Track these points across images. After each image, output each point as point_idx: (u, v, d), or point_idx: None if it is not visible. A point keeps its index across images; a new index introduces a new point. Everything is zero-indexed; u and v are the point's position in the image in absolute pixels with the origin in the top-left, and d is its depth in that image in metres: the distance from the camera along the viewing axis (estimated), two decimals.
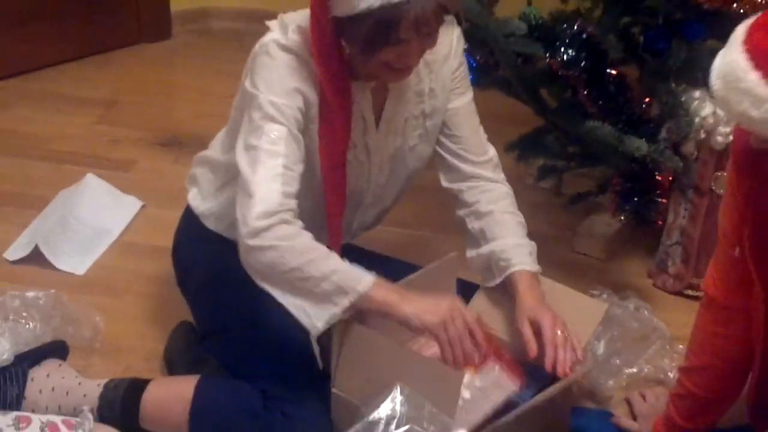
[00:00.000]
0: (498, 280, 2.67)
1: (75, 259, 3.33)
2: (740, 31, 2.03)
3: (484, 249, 2.69)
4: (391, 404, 2.33)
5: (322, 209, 2.59)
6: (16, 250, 3.36)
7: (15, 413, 2.48)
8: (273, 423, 2.53)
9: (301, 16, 2.52)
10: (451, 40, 2.67)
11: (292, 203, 2.42)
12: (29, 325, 2.88)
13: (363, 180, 2.68)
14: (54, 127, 3.98)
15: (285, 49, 2.49)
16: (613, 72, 3.16)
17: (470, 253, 2.74)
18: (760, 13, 2.04)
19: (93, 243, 3.40)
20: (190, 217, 2.85)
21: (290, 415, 2.54)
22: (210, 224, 2.78)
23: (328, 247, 2.50)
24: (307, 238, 2.41)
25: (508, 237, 2.70)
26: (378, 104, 2.63)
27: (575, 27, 3.15)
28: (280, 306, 2.45)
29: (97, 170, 3.66)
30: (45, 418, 2.47)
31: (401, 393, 2.36)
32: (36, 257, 3.31)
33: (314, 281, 2.39)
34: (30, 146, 3.88)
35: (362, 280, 2.39)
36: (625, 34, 3.27)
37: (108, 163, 3.75)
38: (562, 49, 3.10)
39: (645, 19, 3.27)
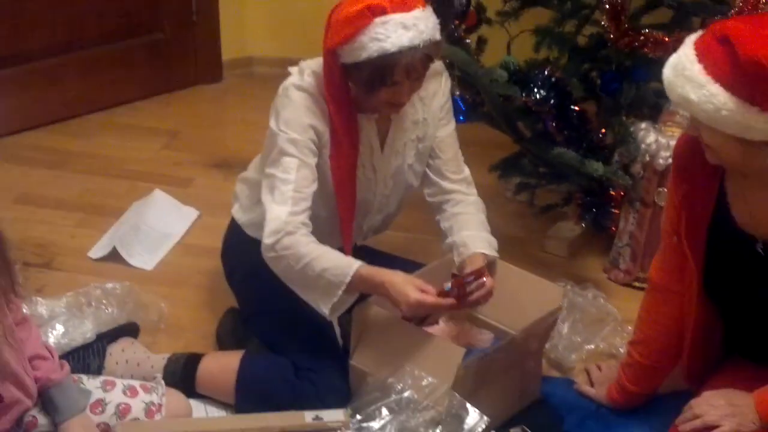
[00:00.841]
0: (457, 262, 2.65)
1: (145, 257, 3.33)
2: (694, 34, 2.07)
3: (449, 240, 2.69)
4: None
5: (336, 216, 2.61)
6: (98, 250, 3.35)
7: (102, 378, 2.47)
8: (302, 388, 2.55)
9: (316, 63, 2.54)
10: (440, 80, 2.69)
11: (300, 218, 2.48)
12: (108, 310, 2.88)
13: (371, 192, 2.69)
14: (129, 152, 3.98)
15: (301, 89, 2.53)
16: (576, 108, 3.16)
17: (443, 246, 2.74)
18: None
19: (159, 244, 3.40)
20: (234, 226, 2.86)
21: (315, 381, 2.55)
22: (249, 231, 2.78)
23: (341, 247, 2.60)
24: (304, 244, 2.46)
25: (469, 230, 2.68)
26: (382, 132, 2.64)
27: (545, 72, 3.15)
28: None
29: (162, 186, 3.66)
30: (126, 382, 2.46)
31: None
32: (114, 256, 3.31)
33: (313, 280, 2.44)
34: (110, 167, 3.87)
35: (347, 274, 2.42)
36: (585, 77, 3.26)
37: (171, 181, 3.75)
38: (535, 90, 3.10)
39: (601, 65, 3.26)
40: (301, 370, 2.58)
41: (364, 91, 2.48)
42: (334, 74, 2.48)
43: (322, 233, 2.53)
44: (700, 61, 2.01)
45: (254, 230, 2.75)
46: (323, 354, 2.61)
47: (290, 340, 2.65)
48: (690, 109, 2.05)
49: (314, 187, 2.53)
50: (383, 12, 2.36)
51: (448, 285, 2.41)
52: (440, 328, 2.72)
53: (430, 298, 2.37)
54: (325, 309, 2.47)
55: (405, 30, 2.36)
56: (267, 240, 2.47)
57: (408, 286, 2.38)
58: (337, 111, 2.51)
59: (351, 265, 2.43)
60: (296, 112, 2.52)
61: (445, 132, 2.74)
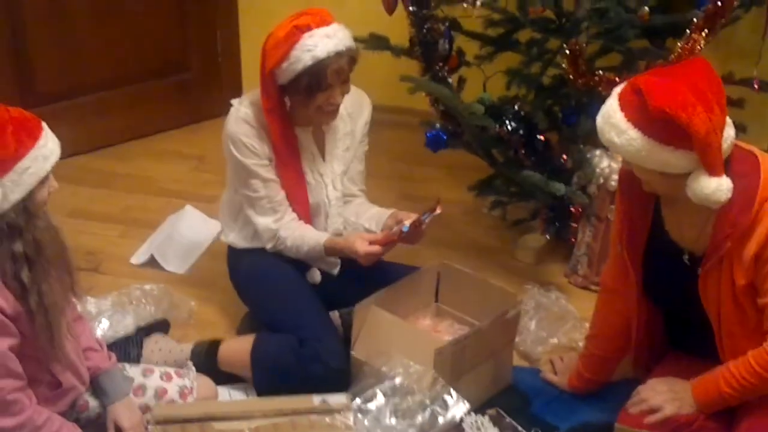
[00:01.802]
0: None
1: (178, 263, 3.33)
2: (618, 88, 2.10)
3: (360, 221, 2.76)
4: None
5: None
6: (139, 257, 3.36)
7: (142, 366, 2.49)
8: (307, 354, 2.56)
9: (252, 94, 2.64)
10: (366, 98, 2.78)
11: (283, 221, 2.65)
12: (146, 307, 2.90)
13: (323, 195, 2.74)
14: (164, 173, 3.98)
15: (239, 120, 2.61)
16: (541, 137, 3.16)
17: (347, 230, 2.79)
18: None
19: (190, 252, 3.39)
20: (229, 250, 2.90)
21: (317, 347, 2.56)
22: (239, 244, 2.81)
23: None
24: (289, 239, 2.66)
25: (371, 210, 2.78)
26: (320, 142, 2.71)
27: (515, 107, 3.16)
28: (295, 282, 2.72)
29: (192, 202, 3.65)
30: (162, 369, 2.47)
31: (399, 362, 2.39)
32: (152, 262, 3.32)
33: (305, 255, 2.67)
34: (148, 186, 3.87)
35: (321, 250, 2.63)
36: (549, 111, 3.27)
37: (200, 198, 3.73)
38: (507, 122, 3.11)
39: (563, 101, 3.27)
40: (304, 341, 2.58)
41: (302, 101, 2.54)
42: (271, 96, 2.56)
43: None
44: (622, 109, 2.04)
45: (241, 243, 2.81)
46: (321, 327, 2.65)
47: (293, 321, 2.65)
48: (617, 150, 2.09)
49: (284, 193, 2.65)
50: (309, 28, 2.47)
51: (406, 226, 2.53)
52: (427, 324, 2.73)
53: (376, 248, 2.55)
54: (330, 269, 2.70)
55: (329, 39, 2.47)
56: (267, 246, 2.68)
57: (357, 243, 2.56)
58: (276, 126, 2.59)
59: (319, 242, 2.63)
60: (237, 137, 2.60)
61: (363, 148, 2.81)
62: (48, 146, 2.01)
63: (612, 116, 2.05)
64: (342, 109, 2.65)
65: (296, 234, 2.65)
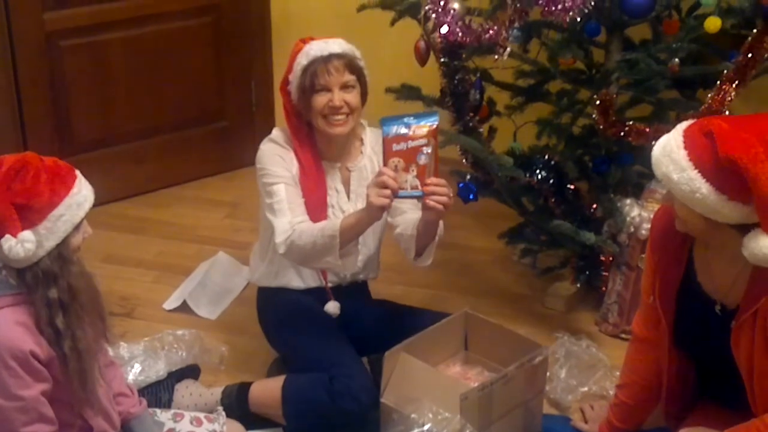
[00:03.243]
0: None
1: (210, 309, 3.34)
2: (685, 123, 2.07)
3: (409, 232, 2.65)
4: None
5: None
6: (171, 302, 3.38)
7: (172, 411, 2.49)
8: (338, 390, 2.55)
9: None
10: None
11: (298, 220, 2.58)
12: (178, 353, 2.89)
13: None
14: (197, 220, 4.01)
15: (268, 141, 2.69)
16: (571, 186, 3.17)
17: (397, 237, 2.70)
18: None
19: (222, 298, 3.41)
20: (258, 294, 2.93)
21: (349, 383, 2.56)
22: (264, 283, 2.84)
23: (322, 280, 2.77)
24: (304, 231, 2.54)
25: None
26: (345, 180, 2.72)
27: (546, 157, 3.17)
28: (320, 321, 2.71)
29: (225, 249, 3.68)
30: (193, 414, 2.47)
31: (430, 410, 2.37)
32: (184, 307, 3.33)
33: (320, 247, 2.51)
34: (182, 233, 3.90)
35: (334, 227, 2.49)
36: (579, 161, 3.27)
37: (233, 245, 3.76)
38: (537, 172, 3.12)
39: (593, 151, 3.27)
40: (334, 378, 2.58)
41: (306, 106, 2.59)
42: (291, 115, 2.65)
43: (305, 269, 2.70)
44: (686, 147, 2.00)
45: (265, 280, 2.84)
46: (351, 364, 2.64)
47: (322, 360, 2.65)
48: (670, 185, 2.04)
49: (303, 200, 2.63)
50: (311, 39, 2.61)
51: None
52: (457, 371, 2.72)
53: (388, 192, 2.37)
54: (336, 261, 2.52)
55: (325, 44, 2.60)
56: (278, 241, 2.57)
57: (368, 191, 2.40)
58: (300, 146, 2.64)
59: (335, 223, 2.51)
60: (267, 155, 2.66)
61: None
62: (82, 193, 2.04)
63: (674, 152, 2.01)
64: (368, 149, 2.69)
65: (311, 226, 2.57)
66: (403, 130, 2.36)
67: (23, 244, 1.93)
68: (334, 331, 2.71)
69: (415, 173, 2.38)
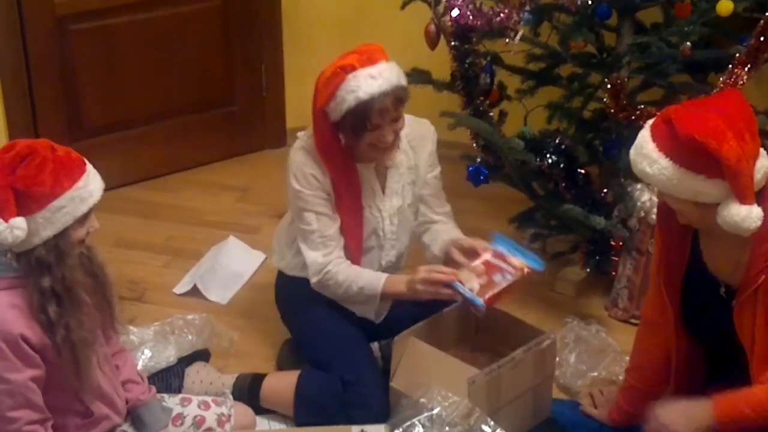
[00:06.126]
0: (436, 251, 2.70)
1: (220, 293, 3.34)
2: (652, 120, 2.11)
3: (433, 249, 2.73)
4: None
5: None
6: (182, 287, 3.38)
7: (180, 395, 2.49)
8: (350, 399, 2.56)
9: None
10: (429, 128, 2.75)
11: (332, 256, 2.60)
12: (188, 337, 2.89)
13: (379, 229, 2.71)
14: (207, 205, 4.01)
15: (301, 149, 2.61)
16: (582, 171, 3.15)
17: (428, 256, 2.77)
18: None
19: (232, 282, 3.41)
20: (279, 274, 2.91)
21: (361, 393, 2.56)
22: (289, 272, 2.82)
23: None
24: (340, 273, 2.60)
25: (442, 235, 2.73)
26: (381, 177, 2.68)
27: (556, 141, 3.15)
28: (343, 322, 2.68)
29: (235, 233, 3.67)
30: (200, 398, 2.48)
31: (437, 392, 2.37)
32: (194, 292, 3.33)
33: (355, 296, 2.59)
34: (192, 217, 3.90)
35: (377, 287, 2.57)
36: (590, 145, 3.25)
37: (243, 229, 3.76)
38: (548, 156, 3.11)
39: (603, 135, 3.25)
40: (347, 384, 2.58)
41: (353, 140, 2.52)
42: (324, 132, 2.55)
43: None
44: (654, 140, 2.05)
45: (291, 270, 2.80)
46: (364, 369, 2.64)
47: (335, 360, 2.66)
48: (649, 180, 2.09)
49: (336, 225, 2.62)
50: (353, 69, 2.44)
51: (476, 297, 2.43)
52: (466, 356, 2.72)
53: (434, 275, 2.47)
54: (371, 316, 2.62)
55: (373, 80, 2.43)
56: (312, 280, 2.62)
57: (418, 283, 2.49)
58: (328, 162, 2.58)
59: (379, 280, 2.57)
60: (299, 167, 2.60)
61: (432, 174, 2.76)
62: (87, 188, 2.02)
63: (644, 147, 2.06)
64: (404, 142, 2.65)
65: (350, 270, 2.60)
66: (505, 252, 2.51)
67: (12, 230, 1.93)
68: (351, 329, 2.69)
69: (483, 283, 2.45)
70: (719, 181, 1.99)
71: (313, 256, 2.61)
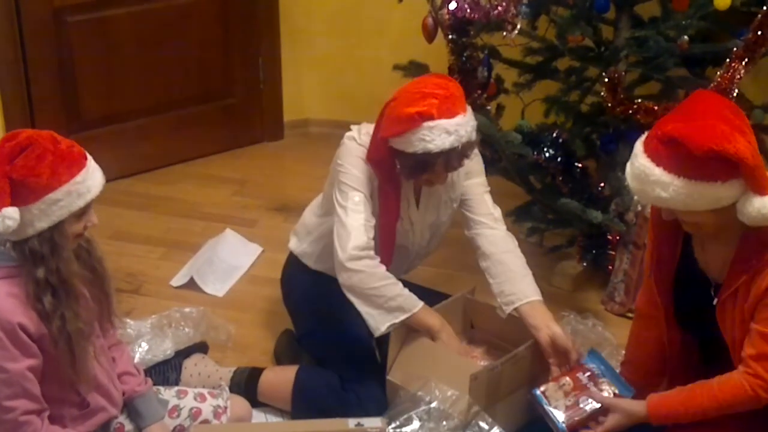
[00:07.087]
0: (507, 312, 2.58)
1: (217, 286, 3.34)
2: (638, 146, 2.07)
3: (493, 287, 2.62)
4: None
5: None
6: (178, 280, 3.38)
7: (176, 388, 2.48)
8: (347, 398, 2.55)
9: (372, 128, 2.54)
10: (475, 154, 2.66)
11: (372, 245, 2.50)
12: (185, 330, 2.90)
13: (408, 242, 2.69)
14: (205, 197, 4.01)
15: (357, 142, 2.55)
16: (579, 165, 3.16)
17: (497, 296, 2.63)
18: (647, 132, 2.08)
19: (229, 275, 3.41)
20: (291, 257, 2.87)
21: (358, 392, 2.55)
22: (303, 260, 2.80)
23: None
24: (383, 270, 2.49)
25: (507, 274, 2.61)
26: (417, 190, 2.64)
27: (554, 135, 3.16)
28: (351, 318, 2.53)
29: (232, 226, 3.68)
30: (196, 390, 2.47)
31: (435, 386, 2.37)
32: (191, 284, 3.33)
33: (384, 299, 2.46)
34: (189, 210, 3.90)
35: (416, 305, 2.47)
36: (587, 139, 3.26)
37: (240, 222, 3.76)
38: (545, 149, 3.11)
39: (601, 129, 3.26)
40: (346, 382, 2.58)
41: (408, 173, 2.49)
42: (381, 150, 2.49)
43: None
44: (658, 165, 2.00)
45: (307, 259, 2.78)
46: (364, 368, 2.61)
47: (336, 356, 2.65)
48: (667, 204, 2.04)
49: (374, 221, 2.54)
50: (431, 118, 2.35)
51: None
52: (464, 348, 2.72)
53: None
54: (382, 327, 2.49)
55: (448, 135, 2.36)
56: (352, 252, 2.47)
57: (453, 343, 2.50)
58: (379, 172, 2.53)
59: (418, 302, 2.48)
60: (354, 156, 2.53)
61: (472, 182, 2.70)
62: (86, 183, 2.01)
63: (649, 175, 2.01)
64: None
65: (387, 272, 2.51)
66: (598, 372, 2.42)
67: (4, 219, 1.92)
68: (356, 327, 2.66)
69: (569, 404, 2.36)
70: (734, 181, 1.97)
71: (358, 231, 2.48)
